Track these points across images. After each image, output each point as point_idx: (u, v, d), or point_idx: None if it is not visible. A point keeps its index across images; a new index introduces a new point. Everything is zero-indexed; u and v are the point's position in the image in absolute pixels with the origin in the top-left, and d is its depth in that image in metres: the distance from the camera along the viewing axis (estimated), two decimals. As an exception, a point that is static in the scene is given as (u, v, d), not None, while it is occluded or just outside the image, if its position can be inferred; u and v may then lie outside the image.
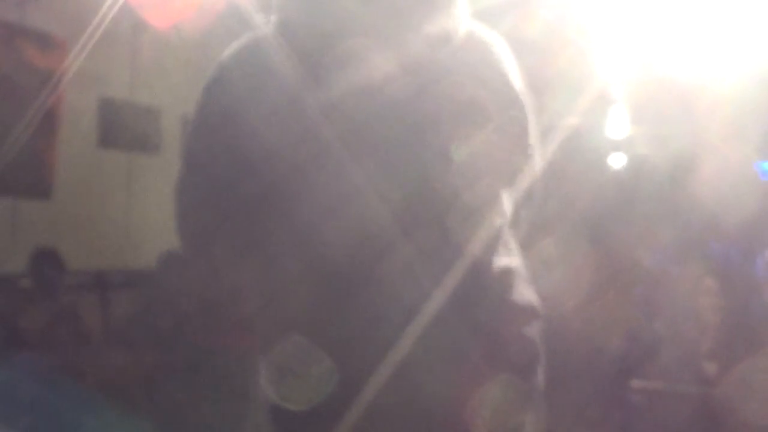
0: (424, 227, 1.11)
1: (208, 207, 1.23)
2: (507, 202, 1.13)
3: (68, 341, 3.92)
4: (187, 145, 1.28)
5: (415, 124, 1.10)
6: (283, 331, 1.15)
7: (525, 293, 1.20)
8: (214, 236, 1.24)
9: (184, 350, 4.02)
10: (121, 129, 4.89)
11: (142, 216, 4.84)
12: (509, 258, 1.18)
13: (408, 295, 1.09)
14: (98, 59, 4.19)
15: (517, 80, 1.18)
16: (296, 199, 1.16)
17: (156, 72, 4.91)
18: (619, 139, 4.71)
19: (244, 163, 1.17)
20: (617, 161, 4.81)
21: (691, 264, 3.52)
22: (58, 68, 4.23)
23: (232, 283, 1.32)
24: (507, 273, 1.17)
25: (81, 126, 4.66)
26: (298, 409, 1.14)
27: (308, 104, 1.12)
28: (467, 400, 1.09)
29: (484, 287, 1.12)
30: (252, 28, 1.22)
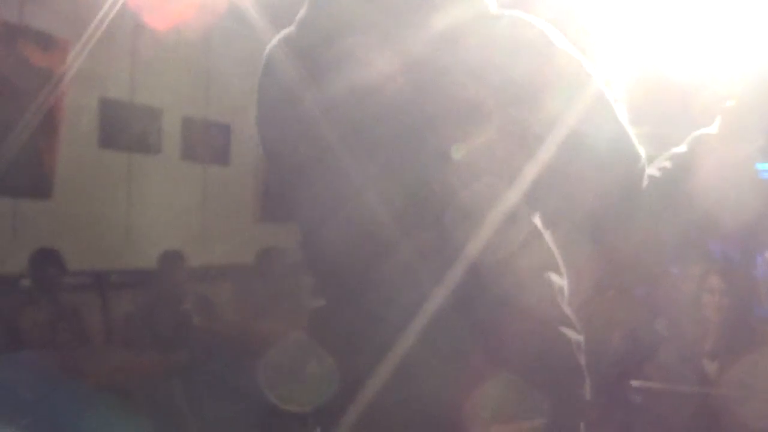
0: (424, 227, 1.11)
1: None
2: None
3: (68, 341, 3.92)
4: None
5: (415, 124, 1.10)
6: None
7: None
8: None
9: (184, 350, 4.02)
10: (121, 129, 4.89)
11: (142, 216, 4.84)
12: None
13: (408, 295, 1.09)
14: (98, 59, 4.20)
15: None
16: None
17: (156, 72, 4.91)
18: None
19: None
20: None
21: (692, 264, 3.52)
22: (58, 68, 4.23)
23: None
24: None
25: (81, 126, 4.66)
26: (298, 410, 1.14)
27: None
28: (467, 401, 1.09)
29: (484, 287, 1.12)
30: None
